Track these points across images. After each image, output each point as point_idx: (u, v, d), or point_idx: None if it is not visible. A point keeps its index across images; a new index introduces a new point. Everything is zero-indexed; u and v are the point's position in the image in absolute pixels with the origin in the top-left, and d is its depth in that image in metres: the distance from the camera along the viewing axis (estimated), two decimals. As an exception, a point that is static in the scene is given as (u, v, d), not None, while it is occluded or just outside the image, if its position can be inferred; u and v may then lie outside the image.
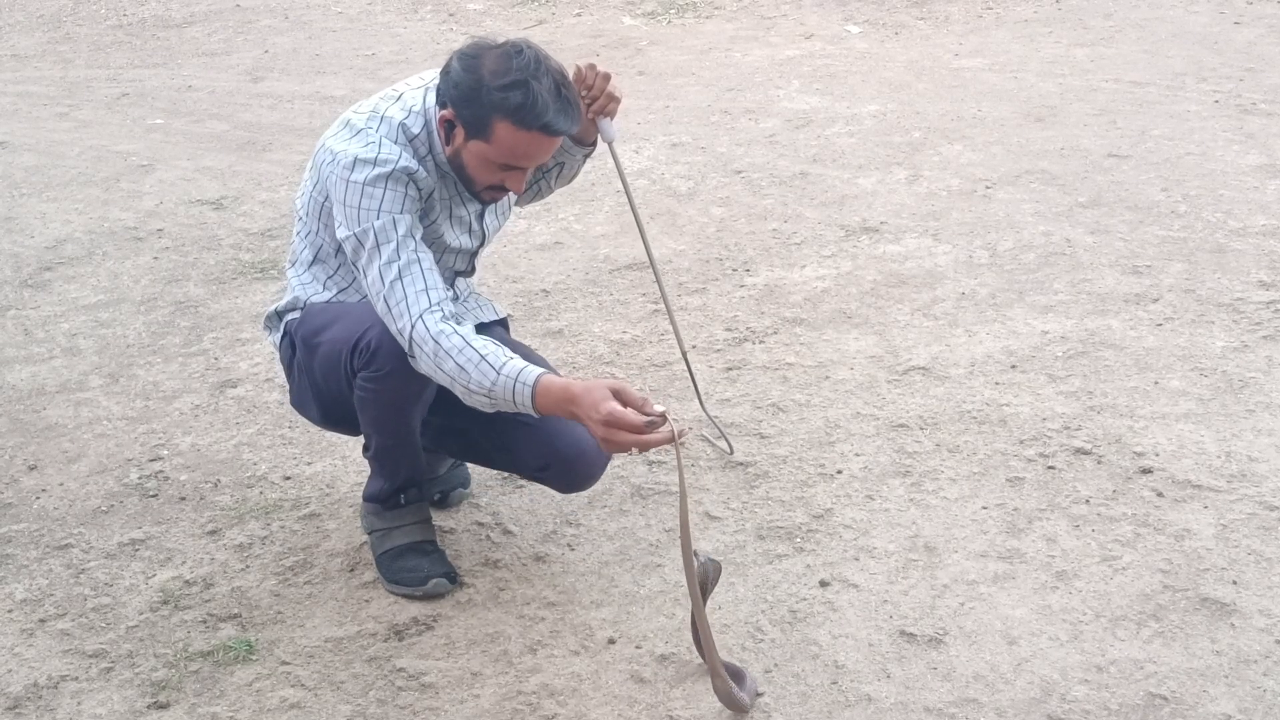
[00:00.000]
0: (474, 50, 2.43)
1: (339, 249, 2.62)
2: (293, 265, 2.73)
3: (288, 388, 2.80)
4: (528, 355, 2.71)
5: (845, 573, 2.72)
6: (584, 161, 2.85)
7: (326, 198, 2.56)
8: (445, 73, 2.46)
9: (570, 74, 2.54)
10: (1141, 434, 3.18)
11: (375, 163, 2.43)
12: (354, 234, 2.44)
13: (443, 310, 2.40)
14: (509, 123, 2.39)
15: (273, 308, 2.75)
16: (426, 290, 2.40)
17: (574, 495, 2.98)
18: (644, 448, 2.25)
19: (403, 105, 2.53)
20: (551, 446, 2.64)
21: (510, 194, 2.70)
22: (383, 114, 2.51)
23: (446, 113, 2.45)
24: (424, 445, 2.74)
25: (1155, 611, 2.55)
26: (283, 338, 2.71)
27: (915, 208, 4.77)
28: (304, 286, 2.68)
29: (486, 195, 2.57)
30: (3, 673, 2.52)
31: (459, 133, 2.46)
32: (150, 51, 8.14)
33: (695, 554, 2.25)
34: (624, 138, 5.65)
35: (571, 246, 4.58)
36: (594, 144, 2.79)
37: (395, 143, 2.48)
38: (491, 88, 2.37)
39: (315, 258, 2.68)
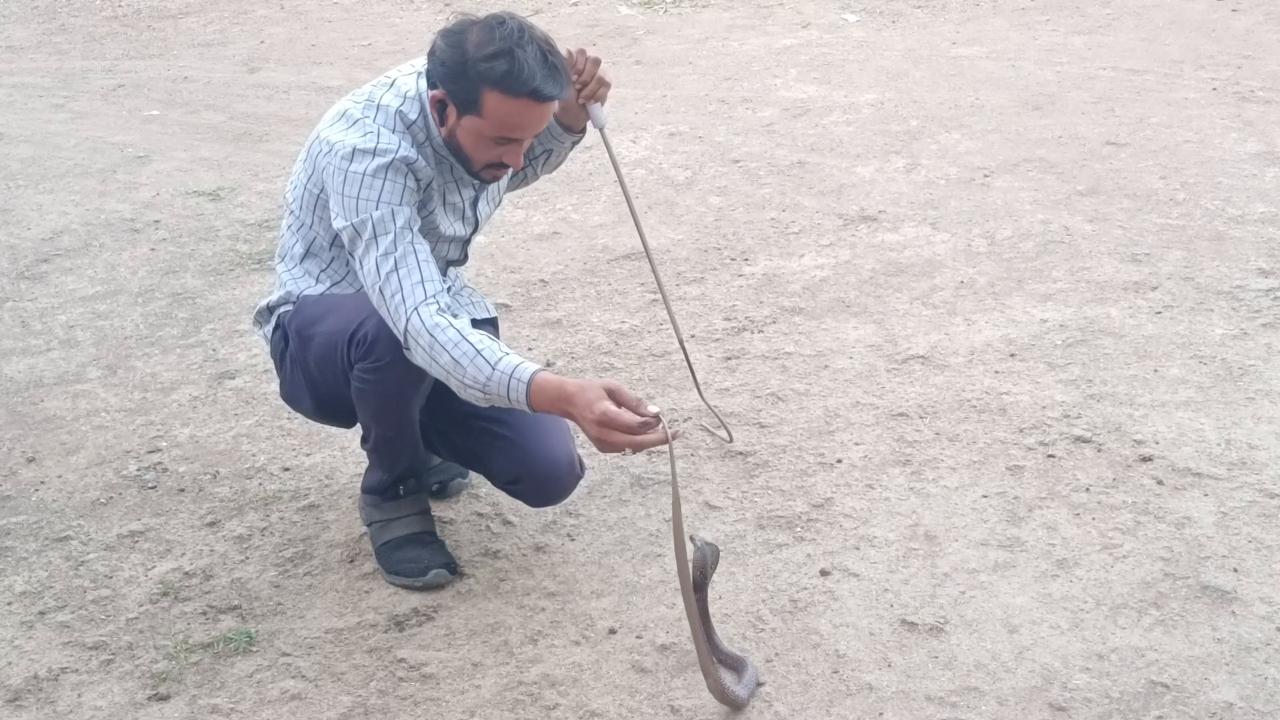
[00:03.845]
0: (457, 27, 2.42)
1: (333, 242, 2.61)
2: (282, 260, 2.70)
3: (279, 381, 2.79)
4: None
5: (846, 562, 2.72)
6: (571, 149, 2.84)
7: (322, 190, 2.54)
8: (431, 53, 2.45)
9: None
10: (1141, 422, 3.17)
11: (375, 153, 2.42)
12: (352, 224, 2.43)
13: (438, 303, 2.39)
14: (497, 92, 2.37)
15: (263, 302, 2.73)
16: (423, 283, 2.39)
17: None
18: (638, 448, 2.25)
19: (397, 92, 2.52)
20: (524, 462, 2.63)
21: (501, 180, 2.69)
22: (379, 102, 2.50)
23: (437, 93, 2.44)
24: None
25: (1156, 599, 2.55)
26: (275, 329, 2.69)
27: (913, 196, 4.76)
28: (296, 281, 2.66)
29: (486, 174, 2.55)
30: (3, 665, 2.52)
31: (451, 111, 2.45)
32: (146, 42, 8.12)
33: (691, 539, 2.25)
34: (621, 127, 5.64)
35: (569, 236, 4.58)
36: (583, 131, 2.77)
37: (393, 132, 2.46)
38: (477, 59, 2.36)
39: (307, 251, 2.66)
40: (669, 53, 7.17)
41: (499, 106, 2.39)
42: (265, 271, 4.38)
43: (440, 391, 2.52)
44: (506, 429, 2.62)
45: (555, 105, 2.47)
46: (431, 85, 2.46)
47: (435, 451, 2.90)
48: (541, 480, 2.65)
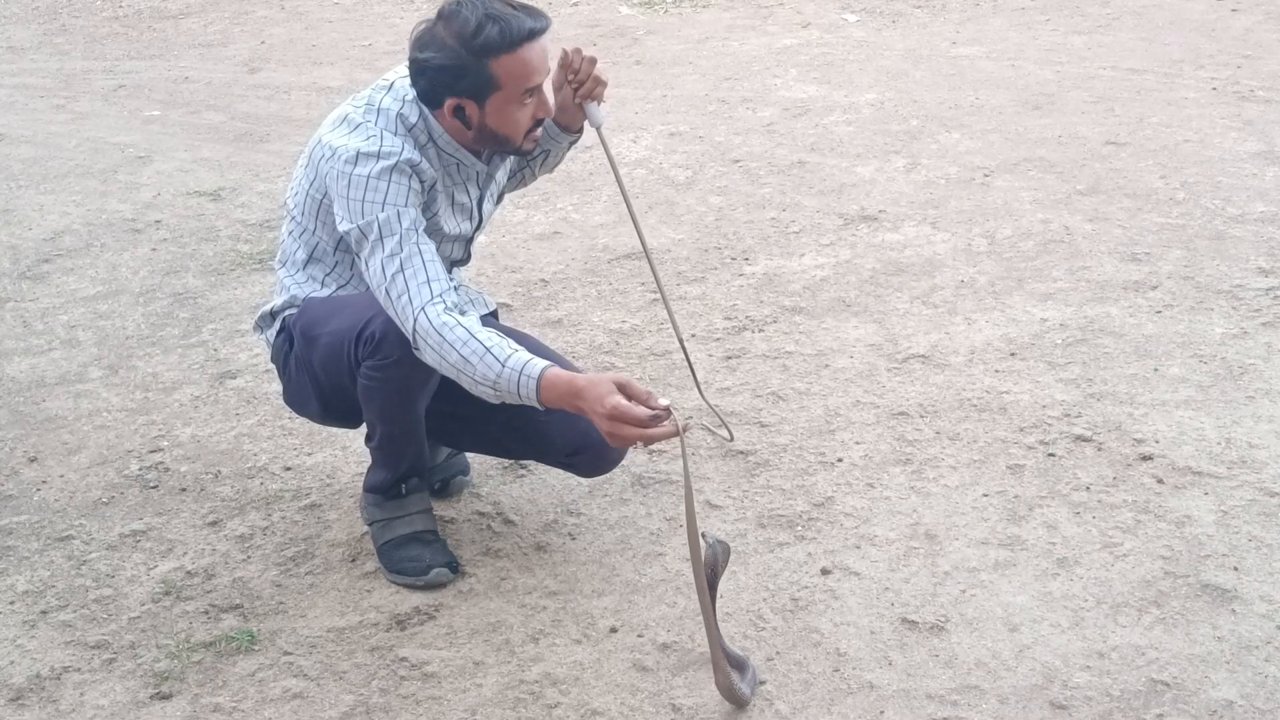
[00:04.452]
0: (426, 37, 2.45)
1: (336, 246, 2.62)
2: (284, 265, 2.71)
3: (282, 386, 2.79)
4: (537, 348, 2.69)
5: (846, 560, 2.72)
6: (569, 148, 2.84)
7: (325, 195, 2.54)
8: (422, 72, 2.45)
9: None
10: (1141, 421, 3.18)
11: (378, 156, 2.43)
12: (357, 226, 2.43)
13: (445, 302, 2.40)
14: (502, 55, 2.40)
15: (266, 307, 2.74)
16: (429, 282, 2.40)
17: (574, 485, 2.99)
18: (649, 442, 2.26)
19: (396, 95, 2.52)
20: (586, 432, 2.62)
21: (499, 177, 2.70)
22: (379, 106, 2.51)
23: (450, 102, 2.45)
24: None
25: (1156, 598, 2.56)
26: (278, 333, 2.70)
27: (914, 196, 4.77)
28: (300, 286, 2.67)
29: (528, 143, 2.56)
30: (5, 664, 2.53)
31: (472, 109, 2.46)
32: (146, 43, 8.13)
33: (703, 536, 2.25)
34: (622, 127, 5.65)
35: (570, 236, 4.58)
36: (580, 131, 2.78)
37: (395, 134, 2.47)
38: (468, 43, 2.39)
39: (310, 257, 2.66)
40: (669, 53, 7.18)
41: (509, 66, 2.41)
42: (266, 271, 4.38)
43: None
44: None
45: (548, 37, 2.48)
46: (438, 103, 2.47)
47: (459, 445, 2.90)
48: (602, 448, 2.66)
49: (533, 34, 2.41)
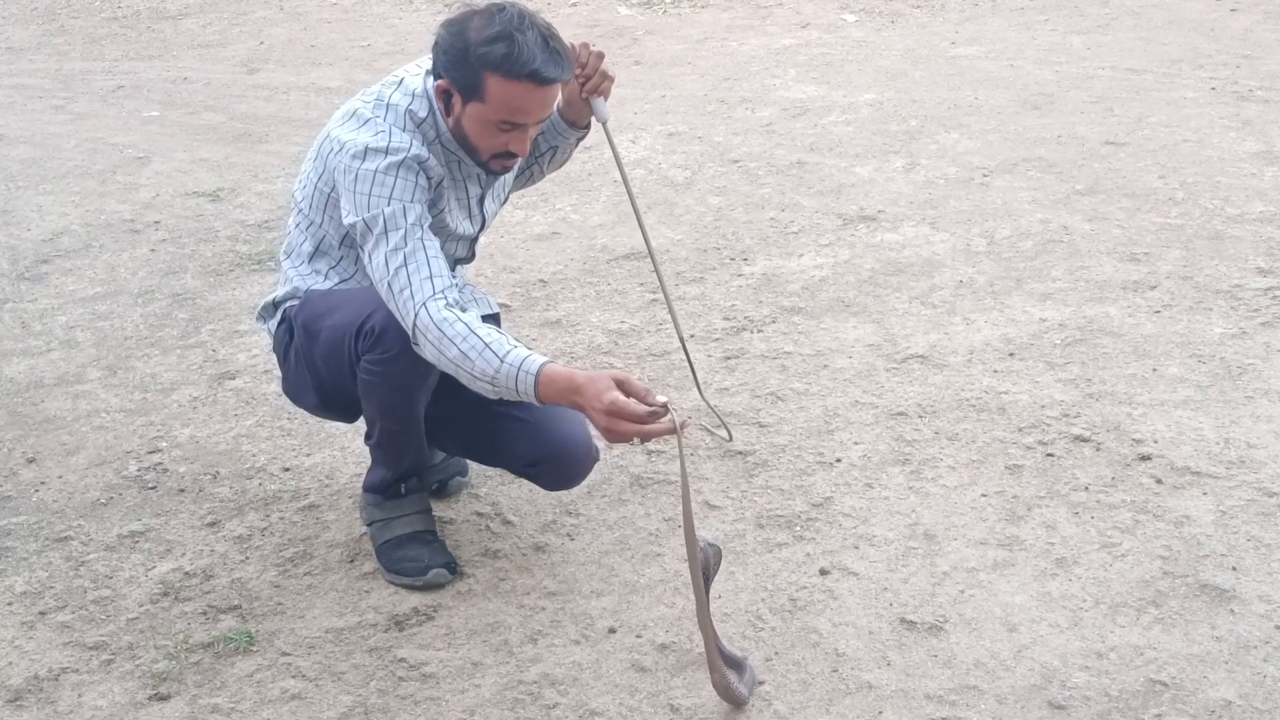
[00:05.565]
0: (459, 17, 2.45)
1: (342, 240, 2.62)
2: (289, 257, 2.71)
3: (280, 376, 2.79)
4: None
5: (845, 561, 2.72)
6: (577, 145, 2.85)
7: (332, 189, 2.55)
8: (435, 45, 2.47)
9: (561, 90, 2.57)
10: (1140, 421, 3.18)
11: (387, 151, 2.43)
12: (363, 219, 2.43)
13: (446, 298, 2.40)
14: (498, 75, 2.38)
15: (269, 298, 2.74)
16: (431, 277, 2.40)
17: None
18: (646, 438, 2.25)
19: (405, 90, 2.53)
20: (542, 443, 2.64)
21: (506, 176, 2.70)
22: (388, 102, 2.52)
23: (442, 82, 2.46)
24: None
25: (1155, 598, 2.56)
26: (280, 323, 2.70)
27: (912, 196, 4.77)
28: (304, 278, 2.67)
29: (495, 165, 2.55)
30: (3, 665, 2.52)
31: (456, 100, 2.46)
32: (145, 43, 8.13)
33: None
34: (621, 127, 5.64)
35: (569, 236, 4.58)
36: (587, 126, 2.79)
37: (404, 130, 2.48)
38: (477, 44, 2.39)
39: (316, 250, 2.67)
40: (668, 53, 7.18)
41: (500, 90, 2.40)
42: (265, 272, 4.38)
43: (452, 382, 2.52)
44: (523, 412, 2.63)
45: (558, 91, 2.48)
46: (436, 76, 2.48)
47: (441, 446, 2.91)
48: (560, 460, 2.67)
49: (535, 76, 2.38)
